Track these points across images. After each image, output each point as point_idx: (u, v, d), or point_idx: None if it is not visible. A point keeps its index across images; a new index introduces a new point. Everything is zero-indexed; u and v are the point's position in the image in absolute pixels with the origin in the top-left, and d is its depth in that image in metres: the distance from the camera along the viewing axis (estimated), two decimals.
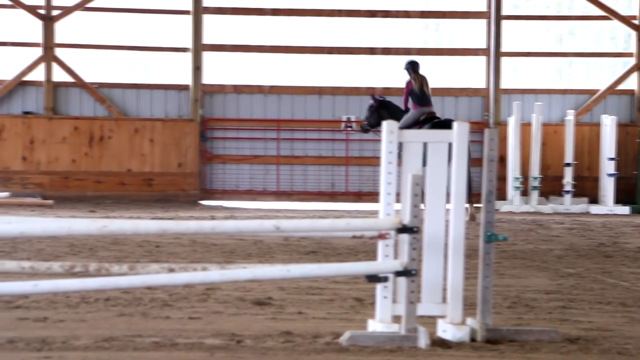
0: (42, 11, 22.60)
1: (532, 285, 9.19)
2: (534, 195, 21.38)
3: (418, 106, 17.77)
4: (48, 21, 22.56)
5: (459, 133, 6.52)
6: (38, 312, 7.21)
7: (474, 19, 23.18)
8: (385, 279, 6.36)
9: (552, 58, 23.30)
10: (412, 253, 6.20)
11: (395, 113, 17.86)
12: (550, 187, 21.85)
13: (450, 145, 6.53)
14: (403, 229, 6.21)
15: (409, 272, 6.19)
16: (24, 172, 22.36)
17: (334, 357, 5.96)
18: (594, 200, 21.92)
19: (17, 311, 7.25)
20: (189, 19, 22.83)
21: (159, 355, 5.95)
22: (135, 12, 22.82)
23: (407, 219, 6.21)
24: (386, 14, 23.14)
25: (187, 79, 22.91)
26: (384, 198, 6.46)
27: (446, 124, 16.36)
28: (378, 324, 6.45)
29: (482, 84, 23.14)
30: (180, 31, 22.90)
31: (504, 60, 23.11)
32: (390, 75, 22.57)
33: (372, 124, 18.68)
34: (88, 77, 22.71)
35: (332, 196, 22.87)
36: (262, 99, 23.02)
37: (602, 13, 22.97)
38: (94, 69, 22.84)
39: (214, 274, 6.29)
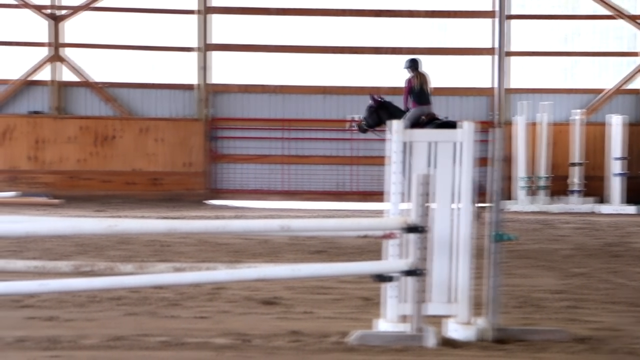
0: (49, 11, 22.63)
1: (540, 284, 9.17)
2: (541, 194, 21.40)
3: (417, 104, 17.72)
4: (55, 21, 22.59)
5: (467, 133, 6.51)
6: (46, 311, 7.22)
7: (479, 19, 23.18)
8: (392, 279, 6.36)
9: (558, 57, 23.28)
10: (419, 252, 6.19)
11: (394, 114, 17.72)
12: (557, 187, 21.83)
13: (454, 145, 6.52)
14: (410, 229, 6.21)
15: (417, 272, 6.18)
16: (31, 171, 22.39)
17: (342, 357, 5.95)
18: (602, 199, 21.90)
19: (25, 310, 7.25)
20: (195, 19, 22.85)
21: (167, 354, 5.95)
22: (142, 11, 22.84)
23: (414, 219, 6.21)
24: (392, 13, 23.14)
25: (193, 79, 22.93)
26: (391, 197, 6.46)
27: (450, 126, 16.31)
28: (386, 324, 6.45)
29: (487, 84, 23.13)
30: (186, 31, 22.92)
31: (509, 59, 23.10)
32: (396, 74, 22.52)
33: (370, 124, 18.58)
34: (95, 77, 22.75)
35: (338, 196, 22.87)
36: (268, 98, 23.03)
37: (608, 12, 22.96)
38: (101, 68, 22.87)
39: (222, 273, 6.28)
